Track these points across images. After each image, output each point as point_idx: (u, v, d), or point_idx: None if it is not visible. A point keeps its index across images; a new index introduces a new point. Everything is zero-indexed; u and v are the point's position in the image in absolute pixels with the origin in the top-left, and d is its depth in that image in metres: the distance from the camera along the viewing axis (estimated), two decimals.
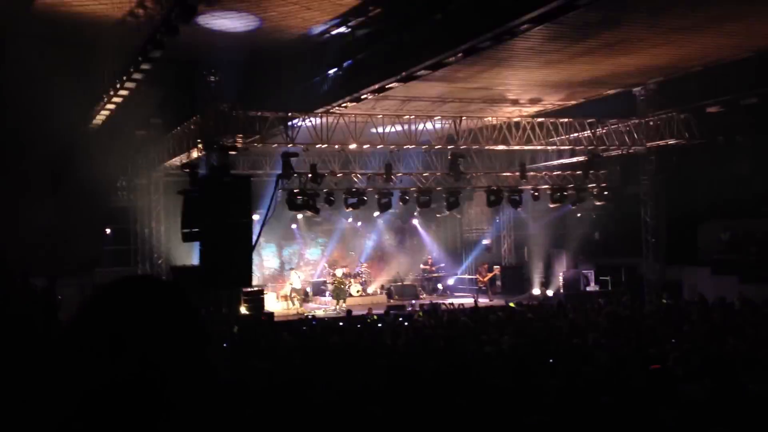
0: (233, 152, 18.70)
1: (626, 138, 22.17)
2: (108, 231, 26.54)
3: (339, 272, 26.54)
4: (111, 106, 19.44)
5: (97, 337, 1.62)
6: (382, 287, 28.55)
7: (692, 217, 22.09)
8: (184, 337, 1.68)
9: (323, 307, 25.50)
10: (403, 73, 15.27)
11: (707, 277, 21.43)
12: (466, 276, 30.05)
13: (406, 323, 17.46)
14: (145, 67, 14.75)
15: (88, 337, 1.63)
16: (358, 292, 26.97)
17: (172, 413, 1.61)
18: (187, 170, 19.64)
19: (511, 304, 21.42)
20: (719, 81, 19.07)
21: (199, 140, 19.13)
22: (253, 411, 7.03)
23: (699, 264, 22.11)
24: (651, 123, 21.62)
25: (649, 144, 21.97)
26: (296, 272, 26.91)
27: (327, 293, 26.82)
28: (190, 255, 21.59)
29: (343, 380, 8.85)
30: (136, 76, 15.44)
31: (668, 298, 20.17)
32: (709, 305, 17.21)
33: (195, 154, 19.99)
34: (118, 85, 17.21)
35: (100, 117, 21.12)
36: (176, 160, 22.01)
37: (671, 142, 21.40)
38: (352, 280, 27.14)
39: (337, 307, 24.54)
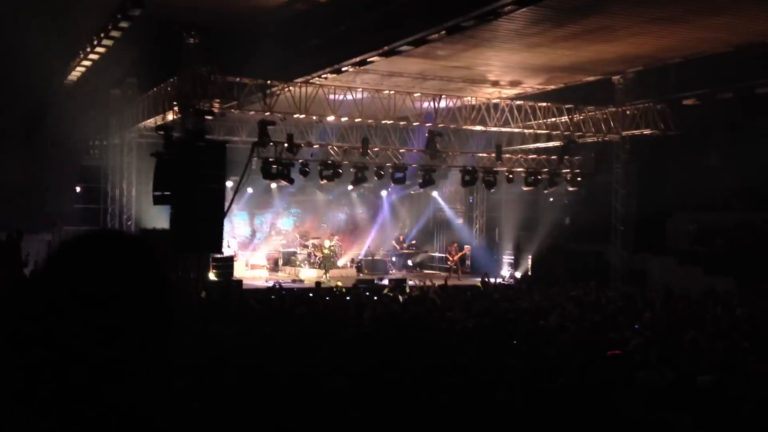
0: (209, 117, 18.55)
1: (602, 125, 22.33)
2: (78, 189, 26.28)
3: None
4: (87, 63, 19.18)
5: (59, 292, 1.62)
6: (353, 261, 28.64)
7: (662, 208, 22.34)
8: (149, 293, 1.68)
9: (286, 276, 25.48)
10: (386, 48, 15.23)
11: (673, 267, 21.73)
12: (437, 254, 30.21)
13: (375, 297, 17.55)
14: (123, 24, 14.57)
15: (49, 292, 1.62)
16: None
17: (134, 371, 1.61)
18: (162, 132, 19.45)
19: (478, 284, 21.60)
20: (697, 74, 19.23)
21: (175, 103, 18.94)
22: (218, 375, 7.06)
23: (666, 254, 22.40)
24: (627, 112, 21.78)
25: (624, 133, 22.15)
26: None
27: (303, 263, 26.80)
28: (161, 218, 21.46)
29: (309, 349, 8.91)
30: (114, 33, 15.25)
31: (633, 286, 20.42)
32: (672, 295, 17.47)
33: (170, 116, 19.80)
34: (95, 42, 16.98)
35: (76, 73, 20.84)
36: (151, 122, 21.80)
37: (646, 132, 21.59)
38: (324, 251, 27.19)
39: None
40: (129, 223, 25.18)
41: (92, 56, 18.08)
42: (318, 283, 20.64)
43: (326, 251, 26.03)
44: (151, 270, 1.71)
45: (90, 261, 1.66)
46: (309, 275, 25.36)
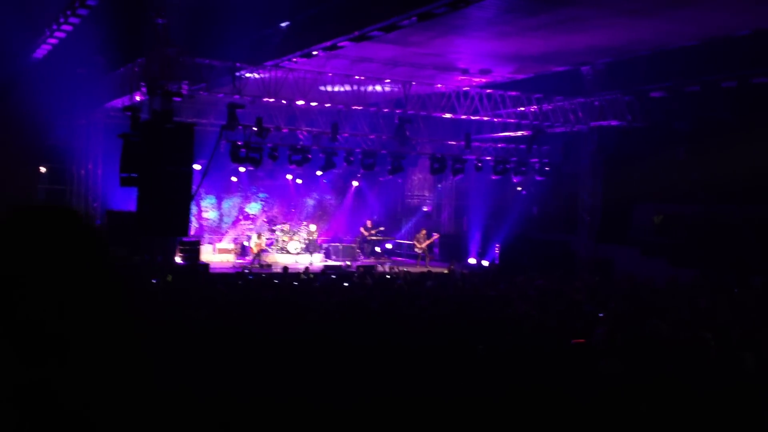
0: (178, 99, 18.32)
1: (570, 116, 22.49)
2: (43, 170, 25.86)
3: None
4: (54, 41, 18.85)
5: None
6: (321, 247, 28.61)
7: (627, 199, 22.59)
8: (91, 271, 1.64)
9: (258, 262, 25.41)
10: (357, 33, 15.16)
11: (637, 258, 21.99)
12: (405, 241, 30.28)
13: (345, 283, 17.53)
14: (91, 2, 14.32)
15: None
16: (296, 249, 26.96)
17: (70, 352, 1.57)
18: (129, 113, 19.18)
19: (445, 271, 21.69)
20: (664, 66, 19.42)
21: (143, 83, 18.68)
22: (183, 357, 7.02)
23: (630, 244, 22.66)
24: (596, 103, 21.95)
25: (592, 123, 22.33)
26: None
27: (272, 248, 26.79)
28: (128, 200, 21.21)
29: (275, 333, 8.89)
30: (81, 11, 14.99)
31: (598, 276, 20.64)
32: (637, 285, 17.67)
33: (138, 97, 19.54)
34: (62, 20, 16.69)
35: (42, 51, 20.48)
36: (118, 102, 21.50)
37: (613, 123, 21.79)
38: (292, 237, 27.17)
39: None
40: (95, 204, 24.86)
41: (59, 34, 17.76)
42: (286, 268, 20.57)
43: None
44: (95, 249, 1.66)
45: (27, 237, 1.61)
46: (277, 260, 25.28)
